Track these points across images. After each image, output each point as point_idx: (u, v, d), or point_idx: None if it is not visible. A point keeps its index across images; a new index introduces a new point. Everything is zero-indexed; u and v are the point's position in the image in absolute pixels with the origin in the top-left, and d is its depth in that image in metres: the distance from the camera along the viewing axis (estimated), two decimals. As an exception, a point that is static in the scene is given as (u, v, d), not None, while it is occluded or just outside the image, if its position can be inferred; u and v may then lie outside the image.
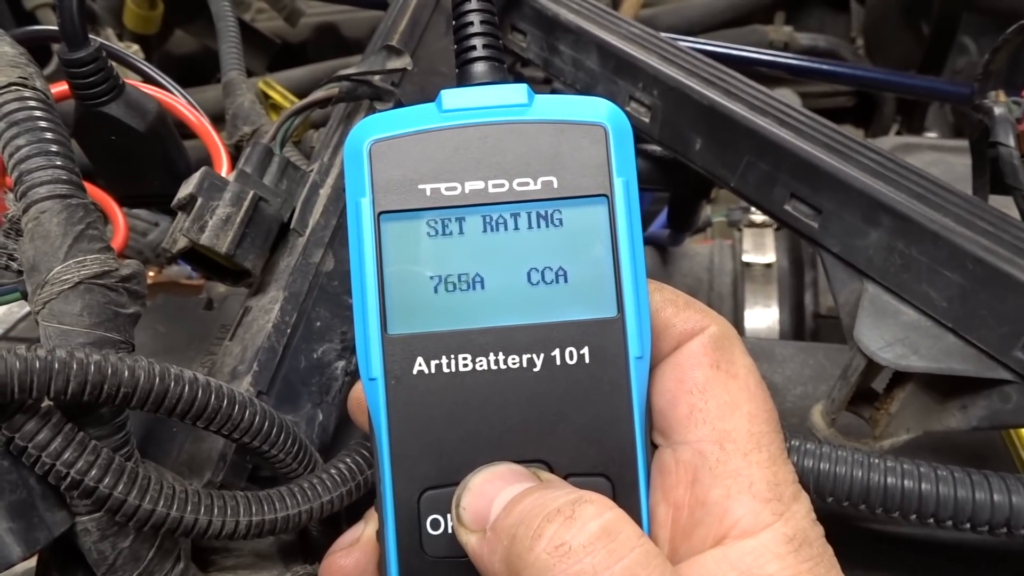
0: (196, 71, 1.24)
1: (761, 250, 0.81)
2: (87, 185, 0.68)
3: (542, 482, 0.28)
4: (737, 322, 0.77)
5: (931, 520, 0.37)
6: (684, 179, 0.67)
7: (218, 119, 0.65)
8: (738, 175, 0.52)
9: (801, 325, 0.75)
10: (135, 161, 0.55)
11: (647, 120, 0.57)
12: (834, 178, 0.47)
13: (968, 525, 0.36)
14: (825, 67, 0.87)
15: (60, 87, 0.54)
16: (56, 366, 0.30)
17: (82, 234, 0.35)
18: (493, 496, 0.27)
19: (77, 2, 0.46)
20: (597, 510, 0.26)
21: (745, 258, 0.81)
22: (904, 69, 1.21)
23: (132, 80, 0.56)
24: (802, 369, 0.54)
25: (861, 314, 0.44)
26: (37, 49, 1.15)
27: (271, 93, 0.92)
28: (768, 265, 0.80)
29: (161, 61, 1.29)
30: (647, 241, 0.89)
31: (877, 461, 0.38)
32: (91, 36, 0.48)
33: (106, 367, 0.31)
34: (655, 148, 0.67)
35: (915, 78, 0.99)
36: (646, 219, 0.93)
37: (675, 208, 0.73)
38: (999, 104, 0.45)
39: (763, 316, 0.77)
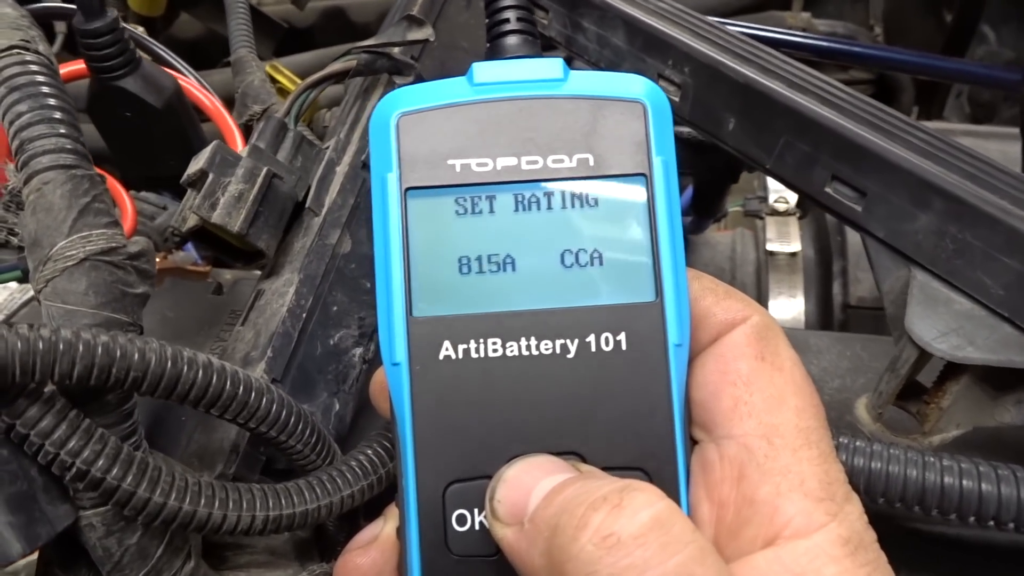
0: (202, 55, 1.21)
1: (786, 239, 0.79)
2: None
3: (582, 473, 0.26)
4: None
5: (991, 523, 0.35)
6: (712, 162, 0.64)
7: (226, 103, 0.63)
8: (775, 156, 0.49)
9: (829, 316, 0.73)
10: (150, 139, 0.53)
11: (677, 99, 0.54)
12: (880, 158, 0.44)
13: (1033, 527, 0.34)
14: (855, 49, 0.84)
15: (70, 66, 0.52)
16: (61, 347, 0.28)
17: (88, 207, 0.32)
18: (531, 487, 0.26)
19: (94, -30, 0.44)
20: (647, 499, 0.24)
21: (769, 247, 0.79)
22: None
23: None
24: (839, 360, 0.52)
25: (911, 302, 0.41)
26: (42, 28, 1.13)
27: (278, 77, 0.90)
28: (793, 254, 0.78)
29: (166, 45, 1.25)
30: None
31: (933, 460, 0.36)
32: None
33: (115, 349, 0.29)
34: (682, 129, 0.64)
35: (953, 61, 0.95)
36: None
37: (700, 193, 0.71)
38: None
39: (788, 306, 0.75)
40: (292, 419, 0.35)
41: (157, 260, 0.93)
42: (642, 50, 0.56)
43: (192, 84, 0.57)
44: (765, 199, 0.89)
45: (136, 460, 0.30)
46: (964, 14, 1.19)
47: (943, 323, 0.40)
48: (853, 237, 0.73)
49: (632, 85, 0.29)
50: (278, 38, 1.23)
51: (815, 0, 1.42)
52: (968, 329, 0.40)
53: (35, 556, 0.34)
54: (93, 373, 0.29)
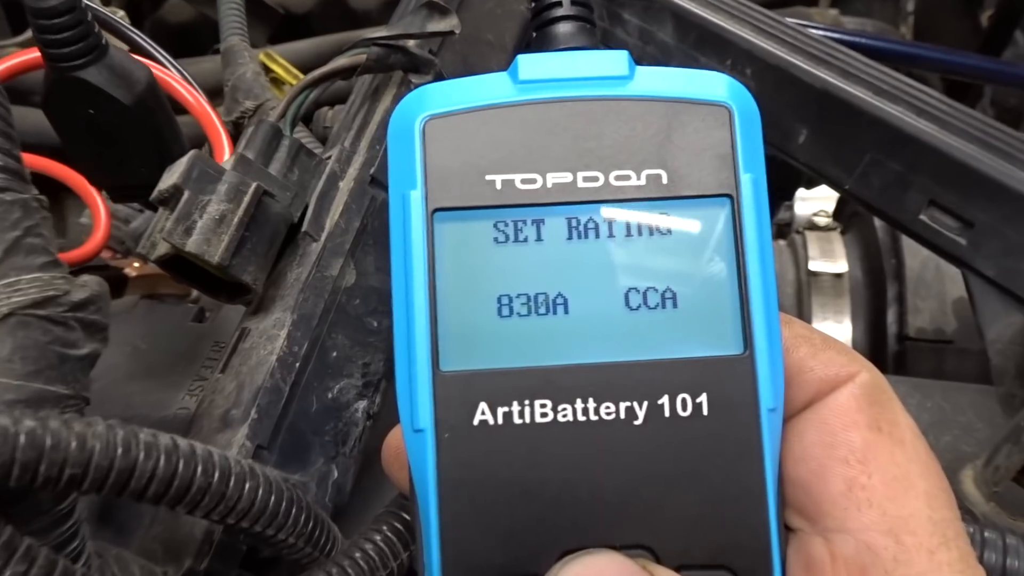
0: (191, 41, 1.16)
1: (830, 257, 0.72)
2: (59, 166, 0.59)
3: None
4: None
5: None
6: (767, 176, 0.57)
7: (215, 94, 0.57)
8: (856, 175, 0.43)
9: (882, 347, 0.67)
10: (118, 142, 0.46)
11: (734, 105, 0.48)
12: (993, 182, 0.38)
13: None
14: (883, 44, 0.78)
15: (30, 53, 0.45)
16: (-36, 443, 0.20)
17: (17, 243, 0.25)
18: None
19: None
20: None
21: (812, 266, 0.72)
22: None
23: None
24: (918, 413, 0.45)
25: (1037, 360, 0.35)
26: (16, 12, 1.04)
27: (273, 66, 0.84)
28: (839, 275, 0.71)
29: (154, 29, 1.21)
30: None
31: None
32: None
33: (42, 438, 0.22)
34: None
35: (994, 61, 0.90)
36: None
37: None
38: None
39: (834, 333, 0.68)
40: (283, 507, 0.28)
41: (136, 265, 0.85)
42: (695, 47, 0.49)
43: (173, 77, 0.50)
44: (791, 207, 0.84)
45: (73, 582, 0.23)
46: (1001, 17, 1.14)
47: (1079, 388, 0.34)
48: (911, 259, 0.67)
49: (714, 85, 0.25)
50: (274, 25, 1.18)
51: (844, -2, 1.37)
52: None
53: None
54: (12, 473, 0.22)
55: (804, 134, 0.45)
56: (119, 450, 0.23)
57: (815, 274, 0.72)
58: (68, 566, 0.24)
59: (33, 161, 0.48)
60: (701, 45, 0.49)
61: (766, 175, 0.25)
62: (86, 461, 0.23)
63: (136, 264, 0.87)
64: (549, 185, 0.24)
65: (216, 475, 0.26)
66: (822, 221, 0.78)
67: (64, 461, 0.22)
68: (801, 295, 0.72)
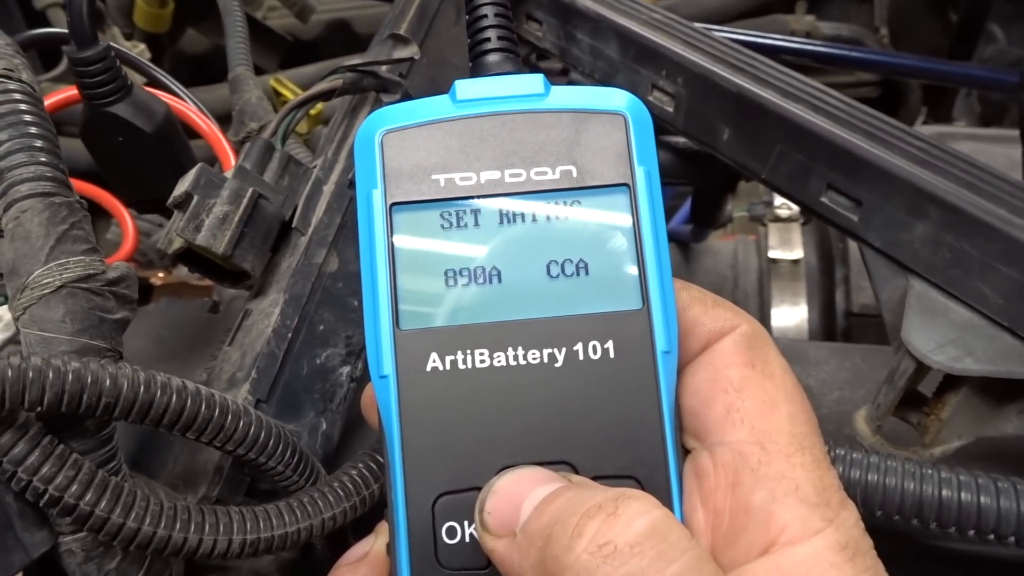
0: (208, 70, 1.22)
1: (788, 246, 0.78)
2: (93, 187, 0.67)
3: (573, 483, 0.26)
4: (764, 321, 0.74)
5: (991, 536, 0.34)
6: (709, 172, 0.63)
7: (228, 118, 0.63)
8: (770, 166, 0.49)
9: (832, 324, 0.72)
10: (142, 163, 0.54)
11: (671, 110, 0.54)
12: (875, 167, 0.43)
13: (1033, 544, 0.33)
14: (856, 55, 0.83)
15: (70, 91, 0.52)
16: (31, 375, 0.28)
17: (65, 234, 0.32)
18: (522, 497, 0.26)
19: (87, 1, 0.44)
20: (643, 507, 0.24)
21: (771, 254, 0.78)
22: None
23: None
24: (838, 372, 0.51)
25: (908, 313, 0.40)
26: (47, 51, 1.14)
27: (283, 91, 0.90)
28: (796, 261, 0.77)
29: (173, 60, 1.27)
30: (668, 238, 0.86)
31: (931, 472, 0.35)
32: (99, 35, 0.47)
33: (85, 375, 0.29)
34: (679, 140, 0.64)
35: (953, 65, 0.94)
36: (666, 214, 0.89)
37: (699, 202, 0.70)
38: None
39: (791, 314, 0.74)
40: (271, 441, 0.35)
41: (161, 275, 0.93)
42: (636, 61, 0.55)
43: (187, 107, 0.57)
44: (770, 203, 0.89)
45: (111, 485, 0.30)
46: (970, 15, 1.17)
47: (941, 334, 0.40)
48: (855, 244, 0.72)
49: (613, 98, 0.29)
50: (283, 51, 1.24)
51: (819, 3, 1.40)
52: (967, 340, 0.39)
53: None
54: (63, 400, 0.28)
55: (727, 132, 0.51)
56: (142, 387, 0.30)
57: (774, 261, 0.77)
58: (105, 476, 0.31)
59: (69, 181, 0.56)
60: (641, 59, 0.55)
61: (658, 168, 0.29)
62: (117, 393, 0.29)
63: (161, 274, 0.95)
64: (482, 181, 0.28)
65: (217, 410, 0.32)
66: (784, 213, 0.84)
67: (100, 393, 0.29)
68: (763, 281, 0.77)
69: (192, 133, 0.56)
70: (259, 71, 0.72)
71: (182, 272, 0.96)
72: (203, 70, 1.19)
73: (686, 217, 0.76)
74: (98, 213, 0.68)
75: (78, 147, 0.55)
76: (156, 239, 0.80)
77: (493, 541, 0.26)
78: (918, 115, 1.35)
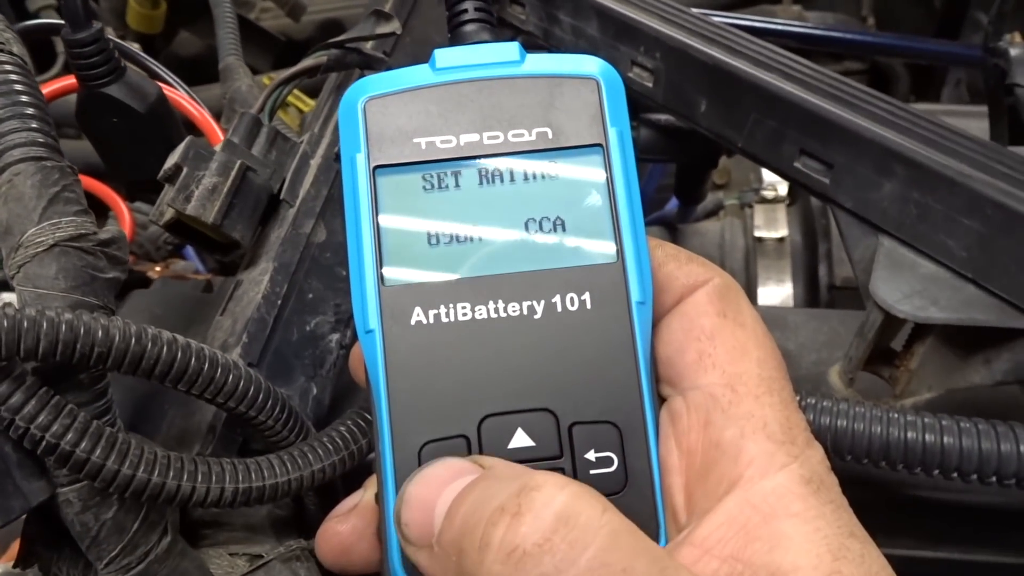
0: (201, 71, 1.23)
1: (773, 225, 0.79)
2: (91, 180, 0.68)
3: (484, 470, 0.26)
4: (751, 298, 0.75)
5: (955, 474, 0.35)
6: (690, 148, 0.65)
7: (221, 114, 0.65)
8: (745, 134, 0.50)
9: (816, 298, 0.73)
10: (137, 144, 0.55)
11: (650, 85, 0.55)
12: (844, 130, 0.45)
13: (993, 479, 0.34)
14: (833, 34, 0.85)
15: (67, 80, 0.54)
16: (25, 324, 0.29)
17: (57, 196, 0.34)
18: (433, 502, 0.25)
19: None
20: (547, 496, 0.23)
21: (757, 233, 0.79)
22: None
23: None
24: (816, 335, 0.52)
25: (876, 268, 0.42)
26: (42, 53, 1.15)
27: None
28: (780, 239, 0.78)
29: (167, 61, 1.27)
30: (656, 221, 0.87)
31: (896, 416, 0.36)
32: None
33: (78, 325, 0.30)
34: (660, 117, 0.65)
35: (924, 41, 0.96)
36: (654, 206, 0.91)
37: (682, 179, 0.71)
38: (1015, 45, 0.43)
39: (777, 291, 0.75)
40: (260, 395, 0.36)
41: (156, 271, 0.95)
42: (615, 38, 0.56)
43: (181, 96, 0.59)
44: (758, 191, 0.90)
45: (105, 434, 0.31)
46: (952, 2, 1.19)
47: (907, 286, 0.41)
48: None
49: (586, 64, 0.31)
50: (275, 51, 1.25)
51: (807, -7, 1.41)
52: (932, 291, 0.40)
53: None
54: (58, 349, 0.29)
55: (704, 104, 0.52)
56: (133, 338, 0.31)
57: (760, 240, 0.79)
58: (100, 425, 0.32)
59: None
60: (620, 36, 0.56)
61: (630, 129, 0.31)
62: (109, 343, 0.30)
63: (158, 268, 0.96)
64: (462, 144, 0.29)
65: (207, 363, 0.33)
66: (770, 194, 0.85)
67: (93, 343, 0.30)
68: (749, 260, 0.79)
69: (186, 123, 0.58)
70: (253, 71, 0.73)
71: (179, 266, 0.97)
72: (196, 71, 1.21)
73: (674, 208, 0.77)
74: (95, 207, 0.69)
75: (76, 147, 0.56)
76: (152, 231, 0.82)
77: (416, 553, 0.26)
78: (906, 102, 1.37)
